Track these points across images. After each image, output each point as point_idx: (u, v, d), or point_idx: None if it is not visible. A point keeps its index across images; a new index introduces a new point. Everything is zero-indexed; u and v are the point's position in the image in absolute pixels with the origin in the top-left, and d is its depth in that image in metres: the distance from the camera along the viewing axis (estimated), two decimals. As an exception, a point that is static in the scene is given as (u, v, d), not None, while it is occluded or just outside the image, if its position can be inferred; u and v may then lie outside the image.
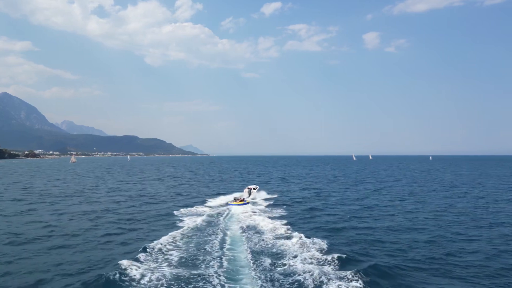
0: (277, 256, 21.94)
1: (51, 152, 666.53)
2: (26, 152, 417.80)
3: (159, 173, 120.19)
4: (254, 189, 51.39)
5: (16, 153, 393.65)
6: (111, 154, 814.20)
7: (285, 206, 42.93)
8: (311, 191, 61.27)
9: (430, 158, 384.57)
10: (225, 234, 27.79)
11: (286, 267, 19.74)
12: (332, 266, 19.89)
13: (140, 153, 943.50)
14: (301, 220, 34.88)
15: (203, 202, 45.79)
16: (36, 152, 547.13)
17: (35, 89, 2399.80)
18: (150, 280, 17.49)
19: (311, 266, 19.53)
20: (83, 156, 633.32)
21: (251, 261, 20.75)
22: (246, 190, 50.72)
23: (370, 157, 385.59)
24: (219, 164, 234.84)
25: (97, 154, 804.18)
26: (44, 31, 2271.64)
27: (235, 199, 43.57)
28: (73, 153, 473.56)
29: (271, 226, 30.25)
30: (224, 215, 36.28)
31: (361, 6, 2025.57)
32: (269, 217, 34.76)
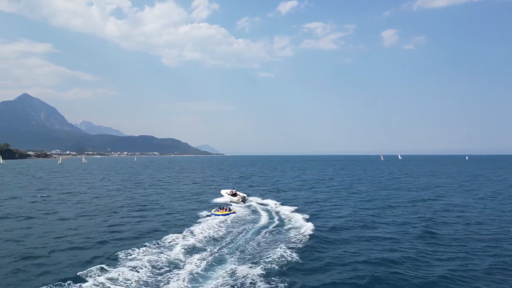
0: None
1: (67, 152, 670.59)
2: (38, 152, 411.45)
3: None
4: (233, 194, 45.47)
5: (28, 153, 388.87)
6: (127, 154, 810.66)
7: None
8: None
9: (467, 158, 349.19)
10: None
11: None
12: None
13: (156, 153, 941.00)
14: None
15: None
16: (53, 152, 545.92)
17: (55, 90, 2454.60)
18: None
19: None
20: (98, 156, 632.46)
21: None
22: (227, 194, 46.58)
23: (400, 157, 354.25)
24: (246, 164, 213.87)
25: (113, 154, 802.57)
26: (64, 33, 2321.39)
27: (220, 208, 36.60)
28: (84, 153, 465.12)
29: None
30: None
31: (378, 3, 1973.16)
32: None
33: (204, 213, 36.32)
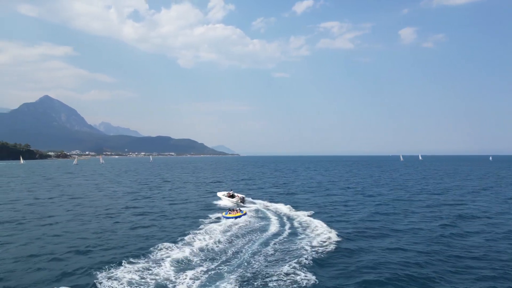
0: None
1: (87, 153, 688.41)
2: (58, 153, 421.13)
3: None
4: (231, 196, 42.77)
5: (48, 153, 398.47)
6: (144, 155, 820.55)
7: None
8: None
9: (490, 158, 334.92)
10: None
11: None
12: None
13: (172, 153, 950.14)
14: None
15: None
16: (73, 152, 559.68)
17: (75, 92, 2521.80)
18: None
19: None
20: (116, 157, 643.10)
21: None
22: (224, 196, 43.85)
23: (420, 158, 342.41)
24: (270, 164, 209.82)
25: (130, 154, 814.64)
26: (83, 36, 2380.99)
27: (230, 210, 34.16)
28: (102, 154, 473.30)
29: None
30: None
31: (396, 1, 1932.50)
32: None
33: (210, 217, 32.81)
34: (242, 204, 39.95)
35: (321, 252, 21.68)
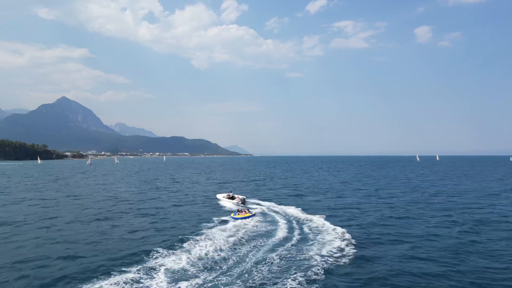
0: None
1: (103, 153, 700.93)
2: (74, 153, 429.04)
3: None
4: (231, 198, 42.05)
5: (65, 154, 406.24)
6: (159, 155, 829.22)
7: None
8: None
9: (511, 159, 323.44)
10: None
11: None
12: None
13: (186, 153, 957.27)
14: None
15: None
16: (89, 153, 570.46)
17: (92, 93, 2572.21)
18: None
19: None
20: (131, 157, 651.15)
21: None
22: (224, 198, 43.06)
23: (437, 158, 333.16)
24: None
25: (145, 155, 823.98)
26: (99, 38, 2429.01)
27: (239, 211, 32.98)
28: (117, 154, 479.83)
29: None
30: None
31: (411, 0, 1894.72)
32: None
33: (214, 221, 30.98)
34: (243, 205, 38.67)
35: (331, 263, 19.45)
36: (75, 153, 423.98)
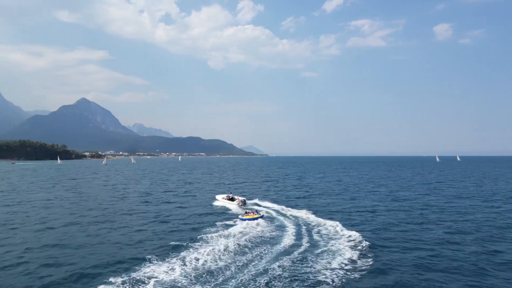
0: None
1: (120, 153, 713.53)
2: (93, 153, 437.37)
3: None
4: (231, 199, 41.24)
5: (84, 154, 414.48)
6: (175, 155, 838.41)
7: None
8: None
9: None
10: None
11: None
12: None
13: (202, 153, 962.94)
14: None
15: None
16: (108, 153, 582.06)
17: (110, 95, 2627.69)
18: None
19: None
20: (148, 157, 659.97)
21: None
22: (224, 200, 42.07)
23: (458, 159, 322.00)
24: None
25: (162, 155, 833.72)
26: (117, 40, 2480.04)
27: (246, 212, 32.38)
28: (135, 154, 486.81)
29: None
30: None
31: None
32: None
33: (217, 226, 29.11)
34: (243, 207, 37.71)
35: (341, 277, 17.24)
36: (94, 153, 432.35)
